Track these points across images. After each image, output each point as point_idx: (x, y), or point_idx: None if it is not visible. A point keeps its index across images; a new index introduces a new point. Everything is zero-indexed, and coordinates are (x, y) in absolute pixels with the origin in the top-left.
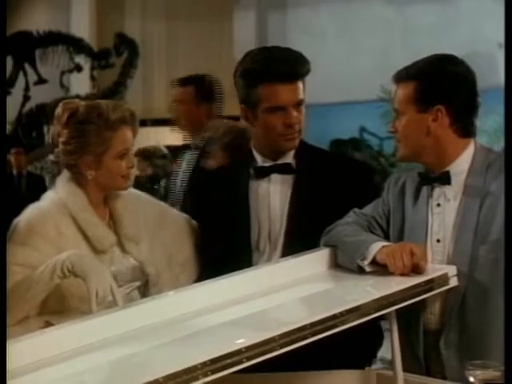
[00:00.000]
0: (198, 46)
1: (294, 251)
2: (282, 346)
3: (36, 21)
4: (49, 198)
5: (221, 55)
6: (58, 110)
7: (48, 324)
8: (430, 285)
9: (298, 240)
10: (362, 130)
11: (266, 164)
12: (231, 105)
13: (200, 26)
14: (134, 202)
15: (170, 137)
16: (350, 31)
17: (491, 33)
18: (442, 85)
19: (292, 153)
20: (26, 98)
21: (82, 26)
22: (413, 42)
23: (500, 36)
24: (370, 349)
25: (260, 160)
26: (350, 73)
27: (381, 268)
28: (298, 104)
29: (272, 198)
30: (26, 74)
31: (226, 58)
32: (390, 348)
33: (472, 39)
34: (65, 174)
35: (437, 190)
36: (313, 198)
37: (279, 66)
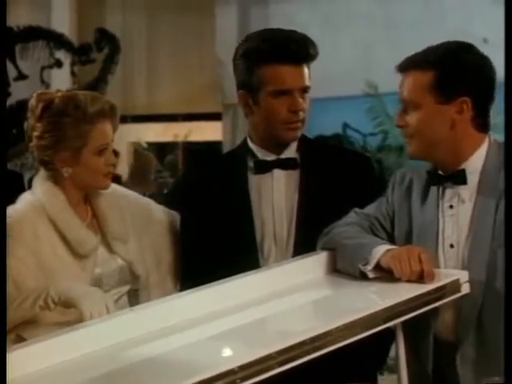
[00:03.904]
0: (180, 41)
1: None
2: (280, 364)
3: (16, 15)
4: (25, 199)
5: (202, 50)
6: (32, 102)
7: (19, 338)
8: (440, 292)
9: (311, 242)
10: (345, 126)
11: (269, 158)
12: None
13: (181, 22)
14: (118, 199)
15: (150, 133)
16: (333, 26)
17: (475, 28)
18: (468, 75)
19: (295, 146)
20: (7, 94)
21: (62, 21)
22: (396, 36)
23: (484, 31)
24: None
25: (260, 153)
26: (332, 68)
27: (385, 274)
28: (304, 91)
29: (276, 195)
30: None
31: (207, 54)
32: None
33: (456, 34)
34: (42, 173)
35: (449, 191)
36: (323, 196)
37: (286, 45)
